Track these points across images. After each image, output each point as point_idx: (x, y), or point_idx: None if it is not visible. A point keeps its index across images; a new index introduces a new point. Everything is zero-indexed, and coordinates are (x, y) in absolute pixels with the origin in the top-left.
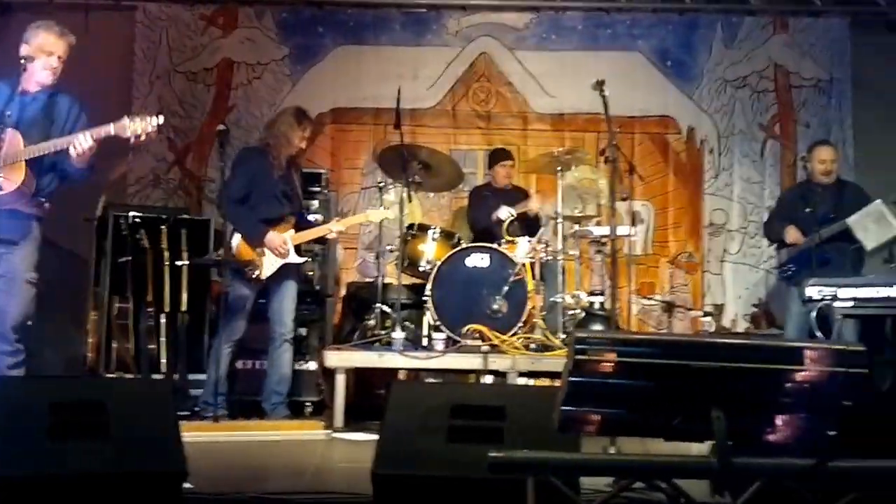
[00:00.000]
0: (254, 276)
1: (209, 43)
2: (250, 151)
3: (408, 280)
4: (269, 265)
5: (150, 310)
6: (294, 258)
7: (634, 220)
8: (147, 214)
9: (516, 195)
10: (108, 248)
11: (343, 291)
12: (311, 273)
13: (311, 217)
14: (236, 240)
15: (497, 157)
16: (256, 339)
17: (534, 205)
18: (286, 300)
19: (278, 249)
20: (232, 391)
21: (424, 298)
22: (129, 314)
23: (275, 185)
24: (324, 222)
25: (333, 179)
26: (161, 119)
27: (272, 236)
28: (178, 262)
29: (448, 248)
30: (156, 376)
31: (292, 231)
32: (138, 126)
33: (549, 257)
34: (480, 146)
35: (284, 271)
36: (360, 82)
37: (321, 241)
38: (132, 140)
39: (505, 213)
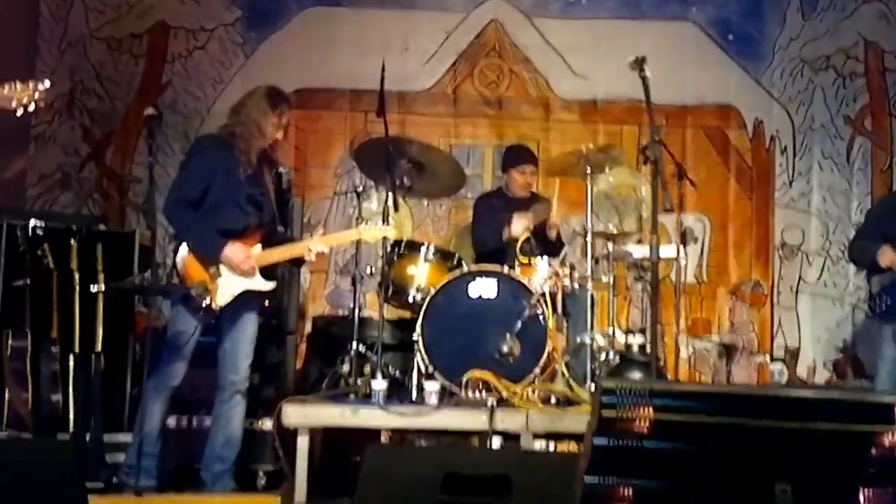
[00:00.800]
0: (203, 305)
1: (138, 2)
2: (210, 142)
3: (393, 313)
4: (224, 290)
5: (54, 349)
6: (258, 283)
7: (685, 238)
8: (52, 224)
9: (534, 205)
10: None
11: (308, 327)
12: (266, 303)
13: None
14: (182, 254)
15: (514, 157)
16: (197, 388)
17: (556, 217)
18: (242, 339)
19: (240, 266)
20: (162, 455)
21: (414, 337)
22: (27, 355)
23: (239, 188)
24: (292, 239)
25: (298, 181)
26: (48, 83)
27: (232, 250)
28: (93, 288)
29: (445, 272)
30: (61, 436)
31: (258, 247)
32: (22, 94)
33: (576, 285)
34: (489, 141)
35: (243, 300)
36: (333, 56)
37: (297, 262)
38: (18, 111)
39: (520, 226)
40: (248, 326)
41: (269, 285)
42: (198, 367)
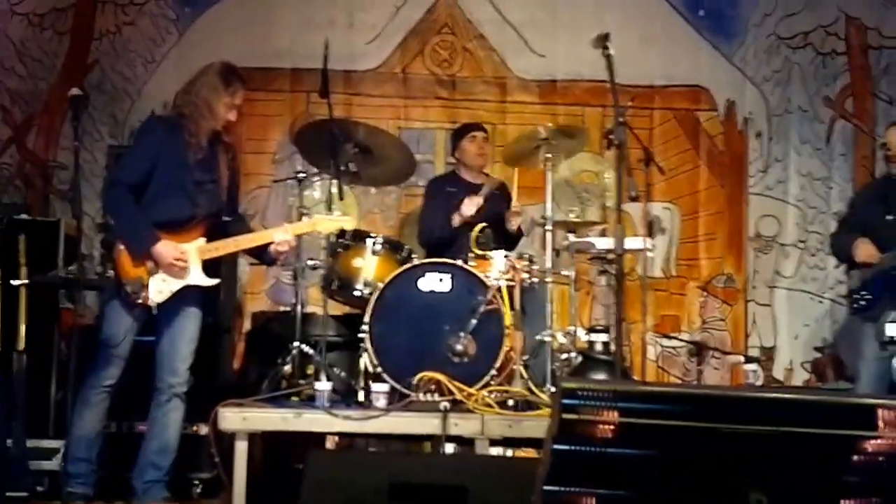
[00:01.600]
0: (138, 303)
1: None
2: (157, 123)
3: (338, 309)
4: (162, 287)
5: None
6: (198, 279)
7: (652, 229)
8: None
9: (493, 192)
10: None
11: (247, 324)
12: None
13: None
14: (120, 246)
15: (462, 128)
16: (135, 390)
17: (518, 206)
18: (181, 339)
19: (173, 265)
20: (101, 462)
21: (361, 335)
22: None
23: (186, 173)
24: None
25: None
26: None
27: (164, 247)
28: (14, 282)
29: (394, 264)
30: None
31: (201, 240)
32: None
33: (535, 280)
34: (441, 124)
35: (184, 297)
36: (272, 32)
37: (261, 258)
38: None
39: (471, 206)
40: (188, 325)
41: (210, 282)
42: (136, 367)
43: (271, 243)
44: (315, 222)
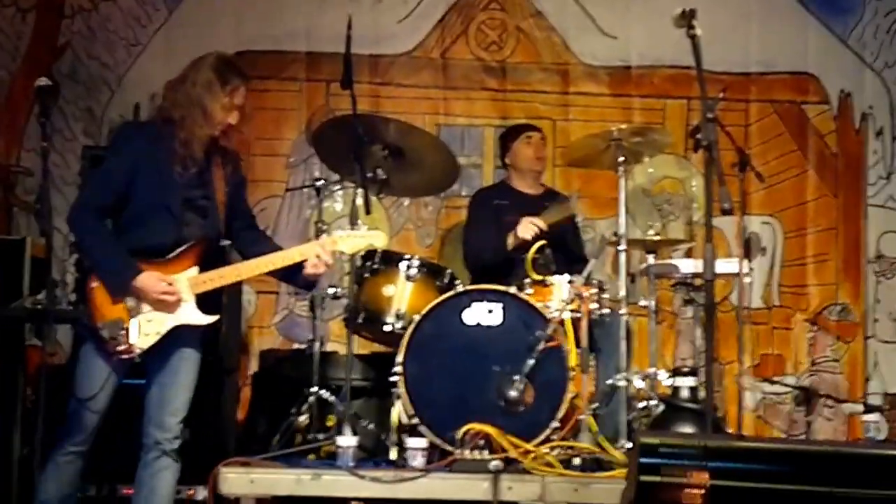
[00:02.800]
0: (119, 350)
1: None
2: (135, 130)
3: (364, 347)
4: (147, 329)
5: None
6: (191, 316)
7: (749, 248)
8: None
9: (550, 205)
10: None
11: (254, 365)
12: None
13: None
14: (94, 283)
15: (515, 129)
16: (113, 445)
17: (579, 219)
18: (173, 387)
19: (161, 300)
20: None
21: (392, 379)
22: None
23: (172, 191)
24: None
25: None
26: None
27: (146, 279)
28: None
29: (433, 292)
30: None
31: (193, 270)
32: None
33: (606, 311)
34: (489, 119)
35: (177, 337)
36: (283, 7)
37: (292, 279)
38: None
39: (529, 230)
40: (183, 370)
41: (206, 319)
42: (122, 417)
43: (298, 266)
44: (335, 240)
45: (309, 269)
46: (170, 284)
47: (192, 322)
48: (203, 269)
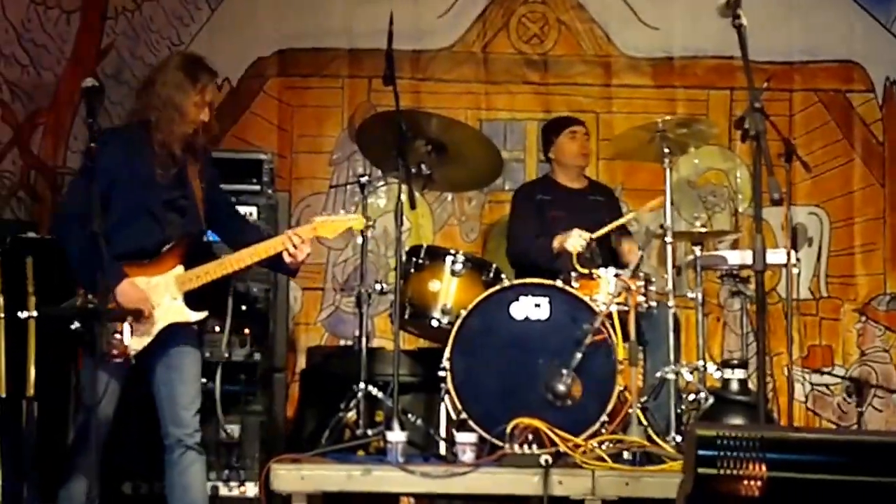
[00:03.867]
0: (112, 354)
1: None
2: (113, 136)
3: (412, 342)
4: (136, 333)
5: None
6: (181, 314)
7: (796, 239)
8: None
9: (597, 201)
10: None
11: (301, 363)
12: (245, 333)
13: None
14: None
15: (557, 122)
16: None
17: (627, 244)
18: (180, 382)
19: (137, 311)
20: None
21: (440, 374)
22: None
23: (152, 192)
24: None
25: (282, 171)
26: None
27: (125, 288)
28: (21, 314)
29: (479, 287)
30: None
31: (179, 269)
32: None
33: (653, 304)
34: (532, 113)
35: (172, 334)
36: (322, 4)
37: (278, 266)
38: None
39: (578, 242)
40: (186, 365)
41: (196, 316)
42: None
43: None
44: (315, 227)
45: (287, 258)
46: (143, 301)
47: (181, 320)
48: (189, 266)
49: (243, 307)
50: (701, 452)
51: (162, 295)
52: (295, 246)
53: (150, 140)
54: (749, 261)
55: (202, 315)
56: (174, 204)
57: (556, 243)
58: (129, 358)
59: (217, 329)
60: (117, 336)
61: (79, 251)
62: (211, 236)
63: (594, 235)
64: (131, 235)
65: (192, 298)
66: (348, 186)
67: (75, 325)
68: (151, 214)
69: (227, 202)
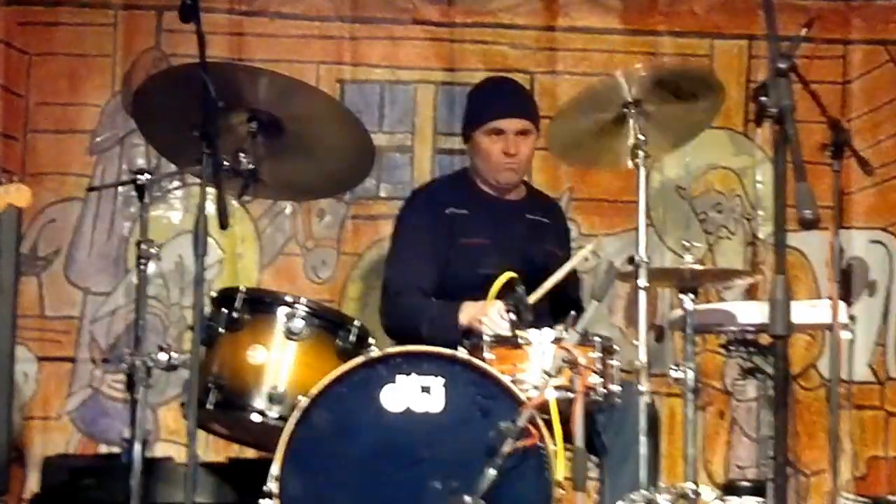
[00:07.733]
0: None
1: None
2: None
3: (219, 450)
4: None
5: None
6: None
7: (849, 283)
8: None
9: (538, 222)
10: None
11: (33, 483)
12: None
13: None
14: None
15: (484, 101)
16: None
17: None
18: None
19: None
20: None
21: (264, 502)
22: None
23: None
24: None
25: (10, 160)
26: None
27: None
28: None
29: (331, 358)
30: None
31: None
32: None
33: (615, 388)
34: (427, 72)
35: None
36: None
37: None
38: None
39: (497, 325)
40: None
41: None
42: None
43: None
44: None
45: None
46: None
47: None
48: None
49: None
50: None
51: None
52: None
53: None
54: (769, 318)
55: None
56: None
57: (463, 317)
58: None
59: None
60: None
61: None
62: None
63: (530, 300)
64: None
65: None
66: (119, 190)
67: None
68: None
69: None
